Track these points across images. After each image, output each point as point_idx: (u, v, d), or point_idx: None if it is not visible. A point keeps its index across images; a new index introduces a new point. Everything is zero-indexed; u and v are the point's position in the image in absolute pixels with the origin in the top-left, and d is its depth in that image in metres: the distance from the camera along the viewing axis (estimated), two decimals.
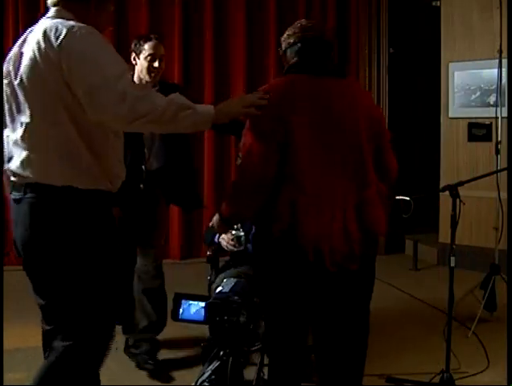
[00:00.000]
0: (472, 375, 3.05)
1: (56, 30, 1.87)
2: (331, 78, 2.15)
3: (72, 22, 1.91)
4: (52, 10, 2.00)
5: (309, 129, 2.05)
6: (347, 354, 2.20)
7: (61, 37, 1.85)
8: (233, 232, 3.08)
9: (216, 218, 2.27)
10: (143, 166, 3.14)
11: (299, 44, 2.17)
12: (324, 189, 2.06)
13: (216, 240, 3.19)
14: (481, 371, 3.10)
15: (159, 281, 3.26)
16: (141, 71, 3.14)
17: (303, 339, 2.25)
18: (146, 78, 3.13)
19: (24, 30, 2.04)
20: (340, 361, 2.21)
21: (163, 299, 3.26)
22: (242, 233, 3.07)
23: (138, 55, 3.14)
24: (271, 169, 2.04)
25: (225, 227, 2.42)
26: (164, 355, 3.33)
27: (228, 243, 3.12)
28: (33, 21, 2.10)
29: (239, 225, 3.06)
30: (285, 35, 2.23)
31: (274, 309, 2.21)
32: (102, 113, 1.86)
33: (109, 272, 2.02)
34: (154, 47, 3.12)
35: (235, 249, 3.13)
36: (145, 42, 3.12)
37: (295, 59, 2.18)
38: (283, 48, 2.23)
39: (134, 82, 3.05)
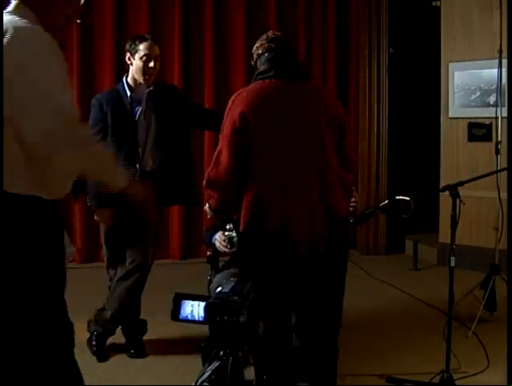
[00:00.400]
0: (472, 375, 3.05)
1: (4, 31, 1.72)
2: (295, 81, 2.38)
3: (21, 24, 1.76)
4: (11, 5, 1.85)
5: (273, 129, 2.29)
6: (320, 332, 2.41)
7: (5, 41, 1.70)
8: (226, 233, 3.03)
9: (207, 206, 2.56)
10: (137, 166, 3.14)
11: (265, 54, 2.41)
12: (287, 181, 2.29)
13: (213, 240, 3.16)
14: (481, 371, 3.09)
15: (132, 283, 3.18)
16: (136, 72, 3.14)
17: (290, 326, 2.45)
18: (141, 79, 3.14)
19: None
20: (314, 340, 2.42)
21: (128, 302, 3.22)
22: (235, 234, 3.01)
23: (133, 55, 3.15)
24: (237, 177, 2.30)
25: (215, 215, 2.64)
26: (164, 354, 3.33)
27: (220, 244, 3.10)
28: None
29: (231, 226, 3.01)
30: (254, 47, 2.47)
31: (258, 293, 2.42)
32: (36, 129, 1.70)
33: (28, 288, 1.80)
34: (150, 48, 3.13)
35: (227, 250, 3.10)
36: (140, 42, 3.13)
37: (263, 66, 2.40)
38: (254, 59, 2.47)
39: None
